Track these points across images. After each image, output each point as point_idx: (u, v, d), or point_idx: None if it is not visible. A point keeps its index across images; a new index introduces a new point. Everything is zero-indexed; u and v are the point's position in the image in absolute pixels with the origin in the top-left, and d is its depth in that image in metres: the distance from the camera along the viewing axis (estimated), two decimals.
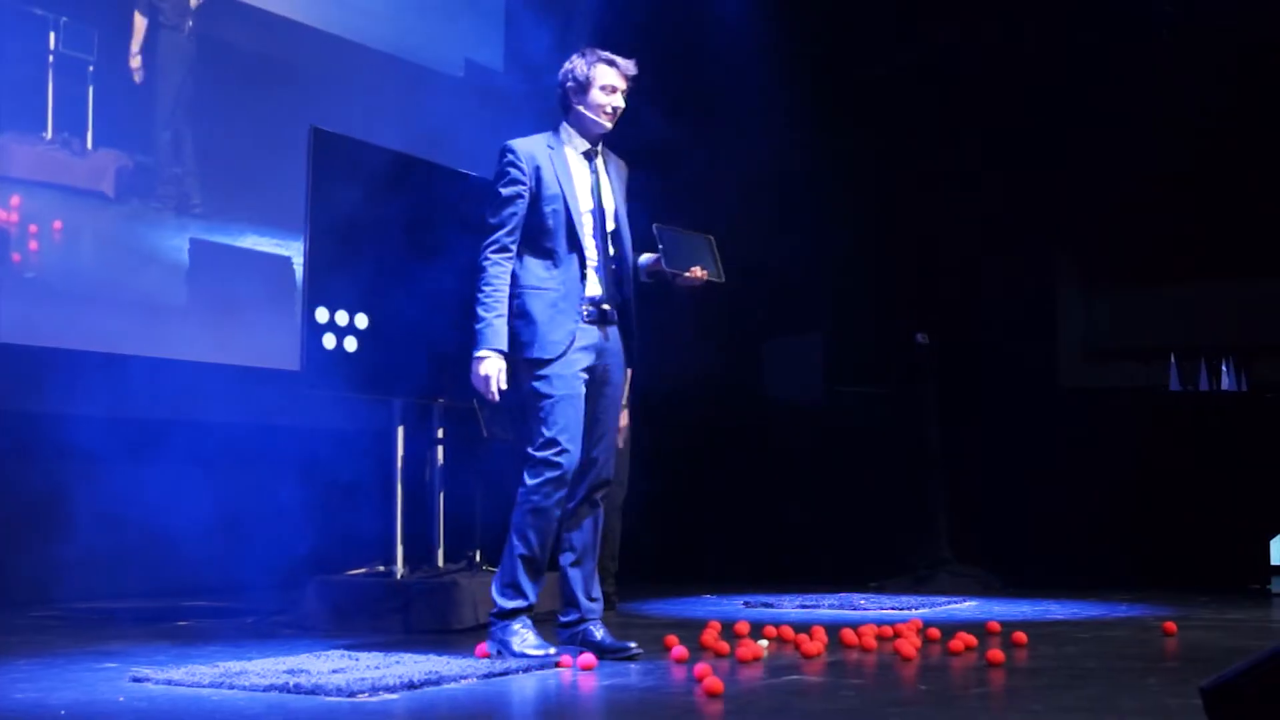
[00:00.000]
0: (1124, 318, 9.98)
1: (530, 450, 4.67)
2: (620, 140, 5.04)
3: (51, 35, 6.79)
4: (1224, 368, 9.04)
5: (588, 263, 4.80)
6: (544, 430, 4.65)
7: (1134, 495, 8.76)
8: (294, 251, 7.55)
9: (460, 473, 6.46)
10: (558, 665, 4.49)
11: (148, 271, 7.17)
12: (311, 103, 7.68)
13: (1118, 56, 9.10)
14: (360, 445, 6.94)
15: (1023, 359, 9.43)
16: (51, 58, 6.80)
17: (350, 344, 5.94)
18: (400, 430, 6.20)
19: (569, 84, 4.89)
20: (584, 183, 4.87)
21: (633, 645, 4.75)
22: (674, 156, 9.61)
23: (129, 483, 6.53)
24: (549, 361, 4.69)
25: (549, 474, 4.64)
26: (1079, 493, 8.83)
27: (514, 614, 4.66)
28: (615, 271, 4.92)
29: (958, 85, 9.36)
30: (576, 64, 4.89)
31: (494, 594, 4.70)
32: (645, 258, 5.06)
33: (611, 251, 4.91)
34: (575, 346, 4.73)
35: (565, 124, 4.93)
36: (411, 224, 6.04)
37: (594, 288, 4.81)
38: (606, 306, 4.85)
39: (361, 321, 5.98)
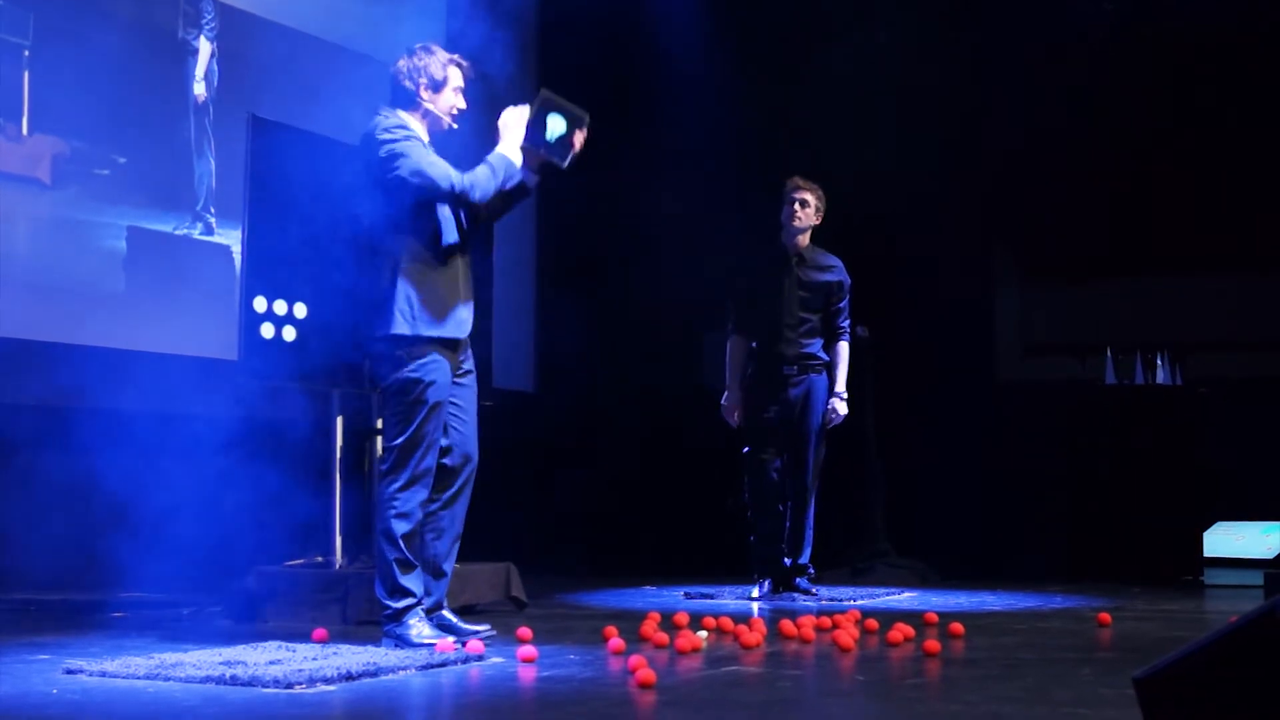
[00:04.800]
0: (1060, 313, 10.06)
1: (397, 449, 4.71)
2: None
3: None
4: (1159, 362, 9.13)
5: (467, 250, 4.89)
6: (413, 430, 4.71)
7: (1070, 488, 8.86)
8: (232, 240, 7.48)
9: None
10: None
11: (84, 259, 7.08)
12: (251, 90, 7.62)
13: (1055, 54, 9.17)
14: (298, 435, 6.90)
15: (960, 353, 9.49)
16: None
17: (289, 333, 5.90)
18: (339, 420, 6.17)
19: (421, 80, 4.87)
20: None
21: (487, 626, 4.90)
22: (612, 151, 9.63)
23: (64, 472, 6.45)
24: (449, 344, 4.77)
25: (409, 475, 4.71)
26: (1016, 485, 8.91)
27: (406, 610, 4.71)
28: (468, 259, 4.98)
29: (896, 80, 9.40)
30: (429, 61, 4.88)
31: (382, 599, 4.75)
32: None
33: None
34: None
35: (409, 115, 4.89)
36: (349, 212, 5.98)
37: (472, 278, 4.91)
38: None
39: (300, 311, 5.94)
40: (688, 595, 7.17)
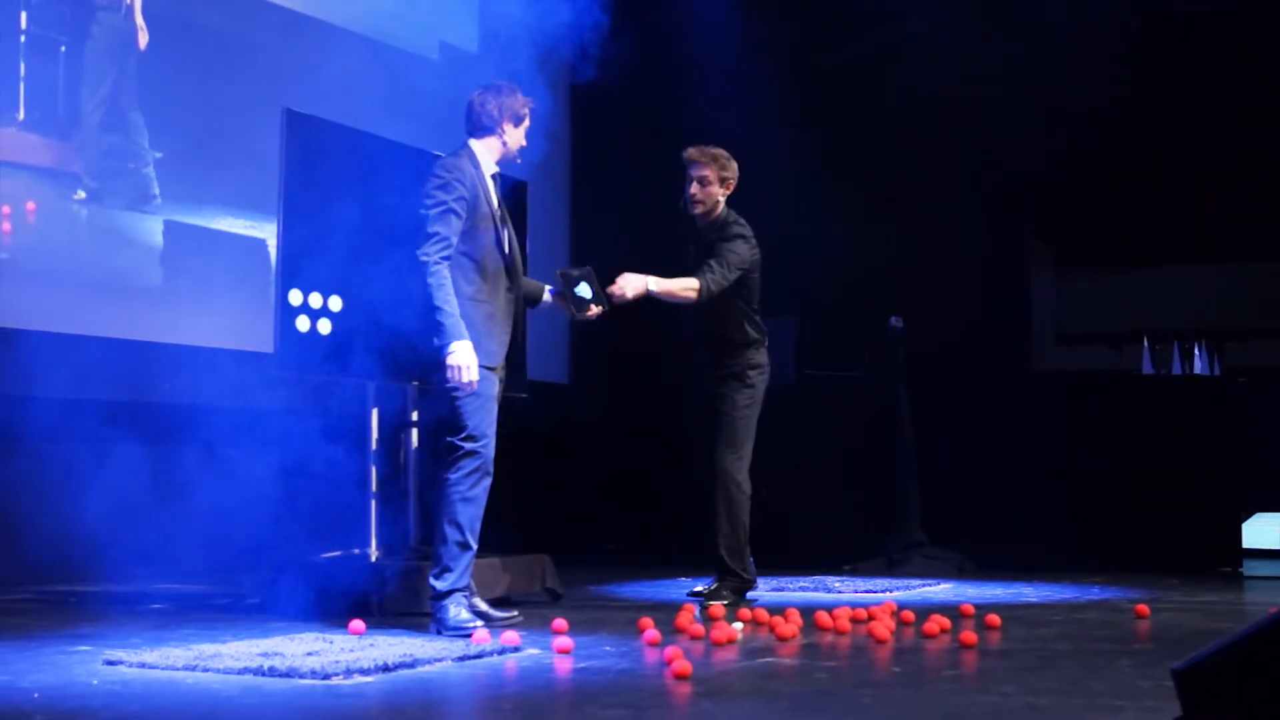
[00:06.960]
0: (1097, 302, 10.02)
1: (457, 443, 4.98)
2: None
3: (23, 14, 6.73)
4: (1196, 351, 9.08)
5: (513, 278, 5.20)
6: (471, 427, 4.98)
7: (1107, 478, 8.81)
8: (268, 233, 7.51)
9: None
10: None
11: (121, 253, 7.12)
12: (284, 84, 7.65)
13: (1091, 43, 9.12)
14: (334, 428, 6.92)
15: (996, 343, 9.46)
16: (23, 38, 6.74)
17: (324, 326, 5.91)
18: (374, 413, 6.18)
19: (505, 113, 5.17)
20: (497, 204, 5.16)
21: (515, 612, 5.36)
22: (647, 139, 9.62)
23: (102, 466, 6.49)
24: (486, 369, 5.02)
25: (473, 464, 4.99)
26: (1052, 476, 8.87)
27: (449, 594, 4.95)
28: (515, 287, 5.26)
29: (930, 71, 9.36)
30: (514, 97, 5.19)
31: (430, 580, 4.99)
32: (548, 297, 5.59)
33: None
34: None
35: (477, 143, 5.19)
36: (384, 206, 6.01)
37: (513, 304, 5.21)
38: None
39: (335, 304, 5.96)
40: None
